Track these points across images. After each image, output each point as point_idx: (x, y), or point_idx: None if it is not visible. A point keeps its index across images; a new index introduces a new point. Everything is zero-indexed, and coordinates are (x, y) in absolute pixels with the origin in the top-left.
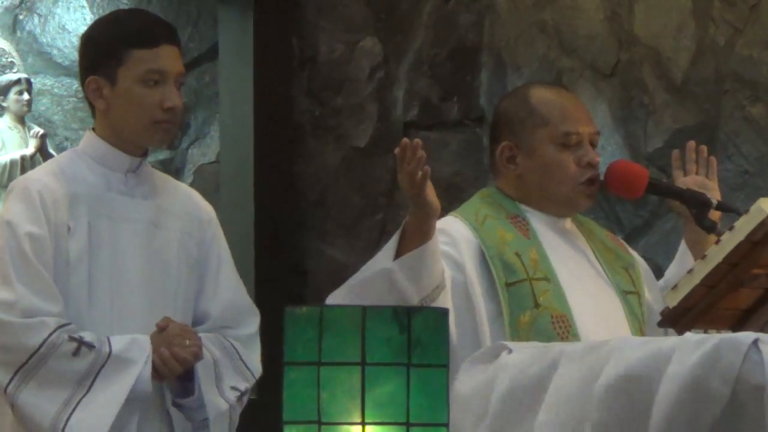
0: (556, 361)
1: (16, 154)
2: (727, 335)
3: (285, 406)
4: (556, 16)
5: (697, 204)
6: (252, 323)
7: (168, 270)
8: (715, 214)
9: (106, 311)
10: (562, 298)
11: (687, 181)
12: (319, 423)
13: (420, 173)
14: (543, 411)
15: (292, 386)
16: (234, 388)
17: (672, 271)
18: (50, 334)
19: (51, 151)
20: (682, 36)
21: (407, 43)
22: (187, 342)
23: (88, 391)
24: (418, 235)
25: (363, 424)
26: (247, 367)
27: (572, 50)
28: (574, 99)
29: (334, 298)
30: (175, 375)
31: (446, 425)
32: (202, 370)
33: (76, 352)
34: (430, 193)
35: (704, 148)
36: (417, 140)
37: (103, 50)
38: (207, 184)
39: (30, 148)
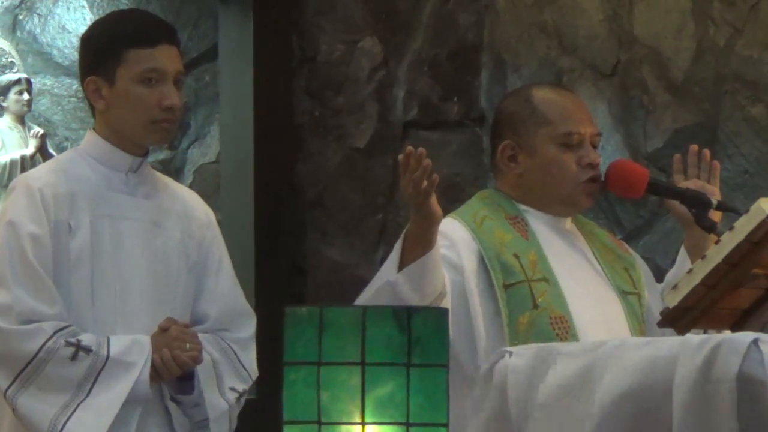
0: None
1: (16, 154)
2: (727, 335)
3: (285, 406)
4: (556, 16)
5: (697, 204)
6: (249, 326)
7: (169, 269)
8: (715, 214)
9: (110, 309)
10: (561, 298)
11: (688, 185)
12: (319, 423)
13: (426, 182)
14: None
15: (292, 386)
16: (233, 389)
17: (671, 276)
18: (47, 340)
19: (51, 151)
20: (682, 36)
21: (407, 43)
22: (188, 345)
23: (87, 395)
24: (420, 243)
25: (363, 424)
26: (244, 369)
27: (572, 50)
28: (576, 99)
29: None
30: (174, 376)
31: (446, 425)
32: (202, 371)
33: (73, 357)
34: (433, 200)
35: (707, 152)
36: (421, 149)
37: (101, 50)
38: (207, 184)
39: (30, 148)
